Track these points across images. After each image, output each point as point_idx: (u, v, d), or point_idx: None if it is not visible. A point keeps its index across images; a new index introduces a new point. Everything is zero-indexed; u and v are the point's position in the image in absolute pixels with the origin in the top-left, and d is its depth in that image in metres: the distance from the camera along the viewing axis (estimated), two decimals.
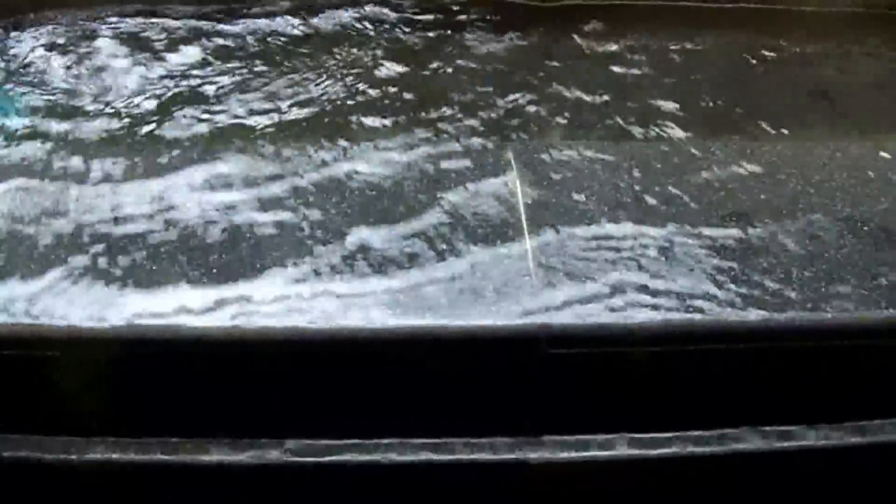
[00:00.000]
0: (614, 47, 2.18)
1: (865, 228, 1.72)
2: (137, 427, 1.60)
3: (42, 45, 2.15)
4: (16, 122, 1.93)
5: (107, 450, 1.60)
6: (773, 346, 1.59)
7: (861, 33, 2.22)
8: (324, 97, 2.02)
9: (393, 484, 1.62)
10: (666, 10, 2.30)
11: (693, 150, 1.88)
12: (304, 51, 2.15)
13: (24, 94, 2.01)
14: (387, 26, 2.23)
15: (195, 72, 2.08)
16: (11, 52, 2.14)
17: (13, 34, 2.19)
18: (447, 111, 1.98)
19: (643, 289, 1.60)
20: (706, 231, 1.70)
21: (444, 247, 1.65)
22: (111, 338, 1.56)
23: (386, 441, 1.59)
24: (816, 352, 1.60)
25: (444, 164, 1.83)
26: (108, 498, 1.64)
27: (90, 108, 1.98)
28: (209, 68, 2.09)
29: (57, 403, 1.59)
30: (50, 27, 2.20)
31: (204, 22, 2.22)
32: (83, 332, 1.55)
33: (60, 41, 2.16)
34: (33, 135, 1.90)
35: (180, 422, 1.61)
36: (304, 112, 1.98)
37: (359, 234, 1.67)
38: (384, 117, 1.96)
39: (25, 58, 2.11)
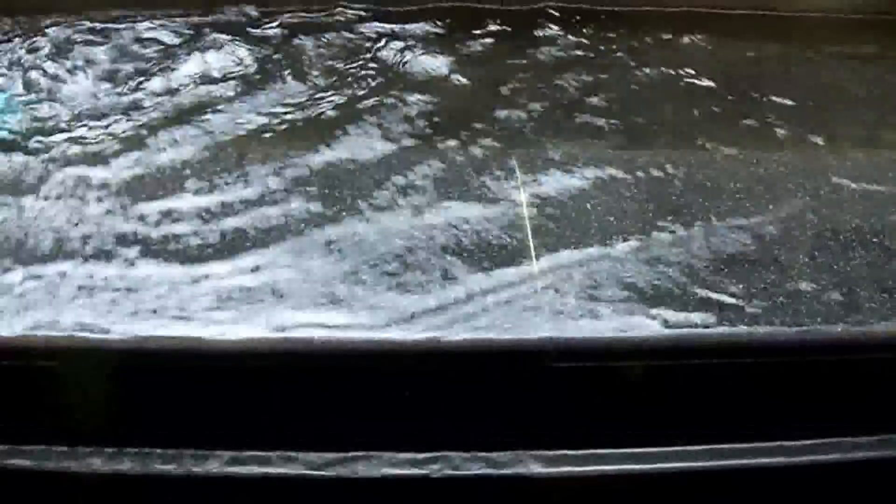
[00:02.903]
0: (609, 54, 2.17)
1: (875, 240, 1.70)
2: (136, 437, 1.59)
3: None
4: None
5: (105, 461, 1.58)
6: (781, 360, 1.57)
7: (856, 39, 2.21)
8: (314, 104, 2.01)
9: (396, 497, 1.60)
10: (661, 13, 2.28)
11: (697, 159, 1.87)
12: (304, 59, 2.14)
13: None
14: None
15: None
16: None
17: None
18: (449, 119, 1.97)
19: (648, 301, 1.58)
20: (711, 242, 1.69)
21: (448, 258, 1.64)
22: (110, 348, 1.54)
23: (390, 454, 1.58)
24: (824, 366, 1.58)
25: (448, 173, 1.81)
26: None
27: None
28: None
29: (56, 414, 1.58)
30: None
31: None
32: (82, 342, 1.53)
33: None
34: None
35: (179, 433, 1.59)
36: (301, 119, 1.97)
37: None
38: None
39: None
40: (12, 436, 1.58)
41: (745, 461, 1.60)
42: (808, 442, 1.61)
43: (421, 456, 1.58)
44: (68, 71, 2.07)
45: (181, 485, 1.59)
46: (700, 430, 1.60)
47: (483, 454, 1.58)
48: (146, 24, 2.19)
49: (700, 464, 1.60)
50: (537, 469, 1.58)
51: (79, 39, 2.15)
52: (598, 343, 1.55)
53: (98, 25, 2.18)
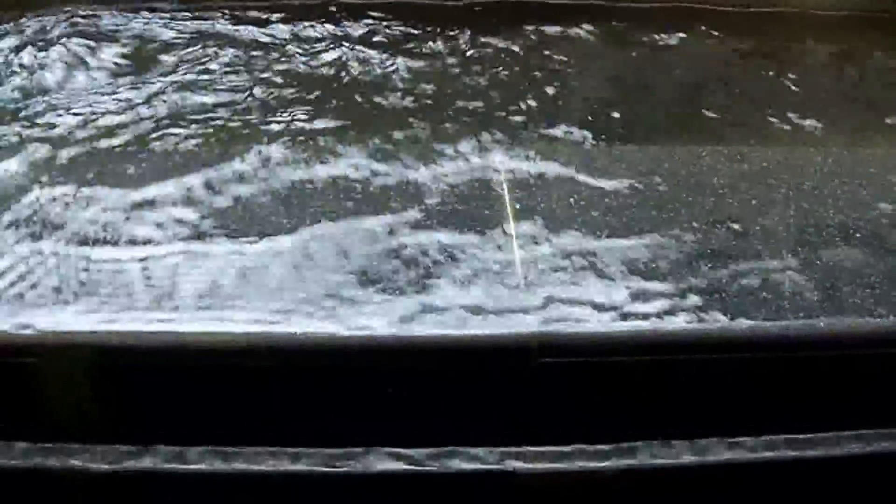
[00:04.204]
0: (597, 49, 2.16)
1: (858, 235, 1.71)
2: (117, 434, 1.57)
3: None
4: None
5: (87, 457, 1.57)
6: (766, 355, 1.57)
7: (852, 37, 2.22)
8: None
9: (379, 494, 1.59)
10: (647, 11, 2.28)
11: (682, 155, 1.87)
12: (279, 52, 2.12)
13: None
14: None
15: None
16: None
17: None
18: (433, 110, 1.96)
19: (634, 297, 1.58)
20: (696, 237, 1.69)
21: (429, 254, 1.64)
22: (90, 344, 1.53)
23: (373, 450, 1.57)
24: (809, 361, 1.58)
25: (428, 166, 1.81)
26: None
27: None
28: None
29: (34, 410, 1.57)
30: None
31: None
32: (60, 338, 1.53)
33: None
34: None
35: (163, 429, 1.58)
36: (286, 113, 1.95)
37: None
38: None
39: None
40: None
41: (735, 456, 1.60)
42: (791, 437, 1.61)
43: (402, 452, 1.57)
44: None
45: (162, 483, 1.58)
46: (689, 425, 1.60)
47: (467, 450, 1.57)
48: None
49: (691, 458, 1.60)
50: (522, 465, 1.57)
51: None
52: (583, 338, 1.55)
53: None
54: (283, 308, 1.55)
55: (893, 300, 1.60)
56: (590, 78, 2.08)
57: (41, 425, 1.57)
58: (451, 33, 2.18)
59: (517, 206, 1.72)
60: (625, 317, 1.56)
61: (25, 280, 1.58)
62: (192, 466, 1.56)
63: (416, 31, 2.18)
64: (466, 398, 1.57)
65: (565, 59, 2.12)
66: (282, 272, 1.61)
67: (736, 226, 1.71)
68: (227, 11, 2.22)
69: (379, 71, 2.06)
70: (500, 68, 2.09)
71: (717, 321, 1.56)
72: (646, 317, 1.56)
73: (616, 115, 1.98)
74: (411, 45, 2.14)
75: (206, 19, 2.20)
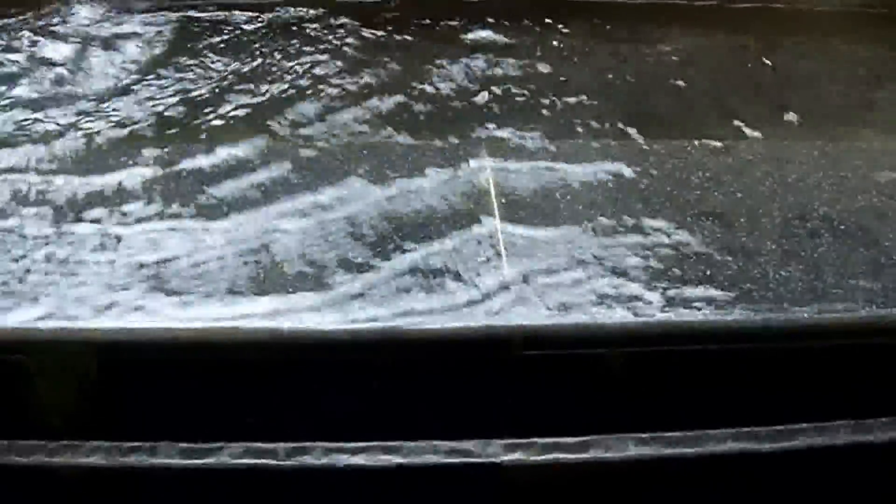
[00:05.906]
0: (585, 45, 2.16)
1: (842, 227, 1.71)
2: (107, 431, 1.58)
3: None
4: None
5: (75, 454, 1.57)
6: (749, 346, 1.58)
7: (835, 31, 2.22)
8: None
9: (363, 488, 1.60)
10: (633, 7, 2.28)
11: (667, 149, 1.87)
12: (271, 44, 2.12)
13: None
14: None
15: None
16: None
17: None
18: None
19: (618, 289, 1.59)
20: (681, 231, 1.69)
21: (414, 245, 1.64)
22: (79, 340, 1.54)
23: (356, 445, 1.58)
24: (792, 353, 1.59)
25: (415, 159, 1.81)
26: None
27: None
28: None
29: (26, 407, 1.57)
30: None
31: None
32: (50, 334, 1.53)
33: None
34: None
35: (154, 426, 1.58)
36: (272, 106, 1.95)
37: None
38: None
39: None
40: None
41: (718, 448, 1.61)
42: (776, 429, 1.62)
43: (386, 445, 1.58)
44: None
45: (149, 479, 1.59)
46: (673, 417, 1.60)
47: (450, 443, 1.58)
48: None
49: (674, 451, 1.60)
50: (507, 458, 1.58)
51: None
52: (568, 331, 1.56)
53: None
54: (270, 300, 1.56)
55: (877, 292, 1.60)
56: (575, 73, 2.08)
57: (32, 422, 1.58)
58: None
59: (502, 200, 1.73)
60: (609, 309, 1.56)
61: None
62: (184, 462, 1.57)
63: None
64: (451, 391, 1.58)
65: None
66: (266, 262, 1.62)
67: (720, 219, 1.71)
68: None
69: None
70: None
71: (703, 313, 1.57)
72: (630, 309, 1.57)
73: (602, 113, 1.98)
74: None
75: None
